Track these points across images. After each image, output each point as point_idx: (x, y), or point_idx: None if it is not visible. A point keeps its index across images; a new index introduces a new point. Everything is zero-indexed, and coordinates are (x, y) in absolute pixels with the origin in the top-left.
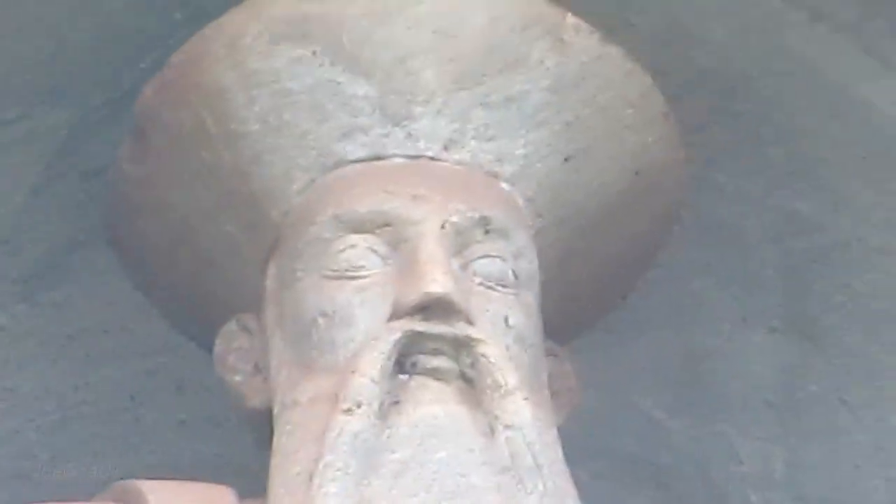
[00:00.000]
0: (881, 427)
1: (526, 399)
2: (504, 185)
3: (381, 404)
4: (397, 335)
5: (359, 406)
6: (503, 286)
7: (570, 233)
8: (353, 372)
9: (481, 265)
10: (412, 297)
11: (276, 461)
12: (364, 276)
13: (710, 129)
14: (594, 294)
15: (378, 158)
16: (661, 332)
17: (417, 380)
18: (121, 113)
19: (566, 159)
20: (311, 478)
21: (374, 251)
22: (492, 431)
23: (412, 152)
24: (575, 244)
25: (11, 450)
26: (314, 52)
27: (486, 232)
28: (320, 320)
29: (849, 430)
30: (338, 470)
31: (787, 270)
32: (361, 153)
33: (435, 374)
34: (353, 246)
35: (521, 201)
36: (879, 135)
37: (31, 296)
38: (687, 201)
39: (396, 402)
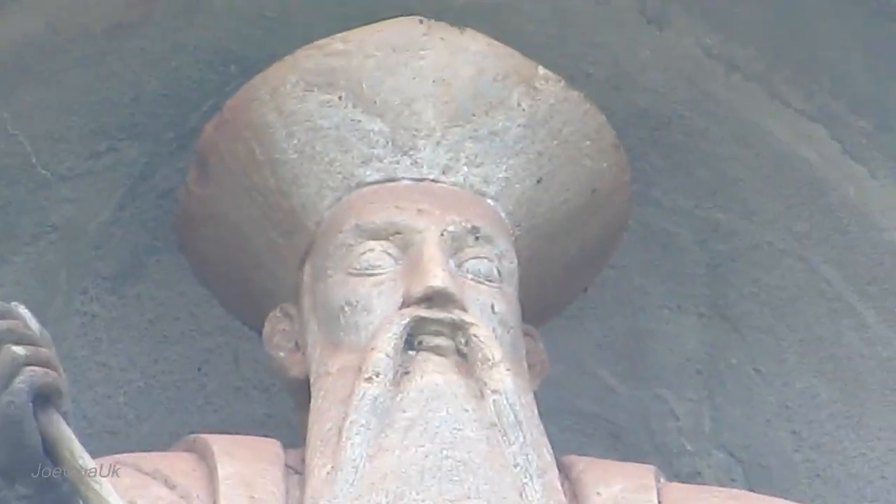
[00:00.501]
0: (787, 390)
1: (508, 370)
2: (490, 202)
3: (395, 374)
4: (406, 320)
5: (377, 375)
6: (490, 281)
7: (541, 239)
8: (372, 349)
9: (472, 264)
10: (418, 289)
11: (312, 419)
12: (380, 274)
13: (649, 157)
14: (561, 287)
15: (390, 181)
16: (613, 316)
17: (423, 355)
18: (188, 146)
19: (538, 181)
20: (339, 432)
21: (388, 254)
22: (481, 395)
23: (417, 176)
24: (545, 248)
25: (104, 410)
26: (339, 97)
27: (476, 238)
28: (346, 308)
29: (761, 393)
30: (361, 426)
31: (711, 268)
32: (377, 176)
33: (436, 350)
34: (371, 250)
35: (503, 214)
36: (782, 160)
37: (118, 290)
38: (632, 214)
39: (407, 373)
